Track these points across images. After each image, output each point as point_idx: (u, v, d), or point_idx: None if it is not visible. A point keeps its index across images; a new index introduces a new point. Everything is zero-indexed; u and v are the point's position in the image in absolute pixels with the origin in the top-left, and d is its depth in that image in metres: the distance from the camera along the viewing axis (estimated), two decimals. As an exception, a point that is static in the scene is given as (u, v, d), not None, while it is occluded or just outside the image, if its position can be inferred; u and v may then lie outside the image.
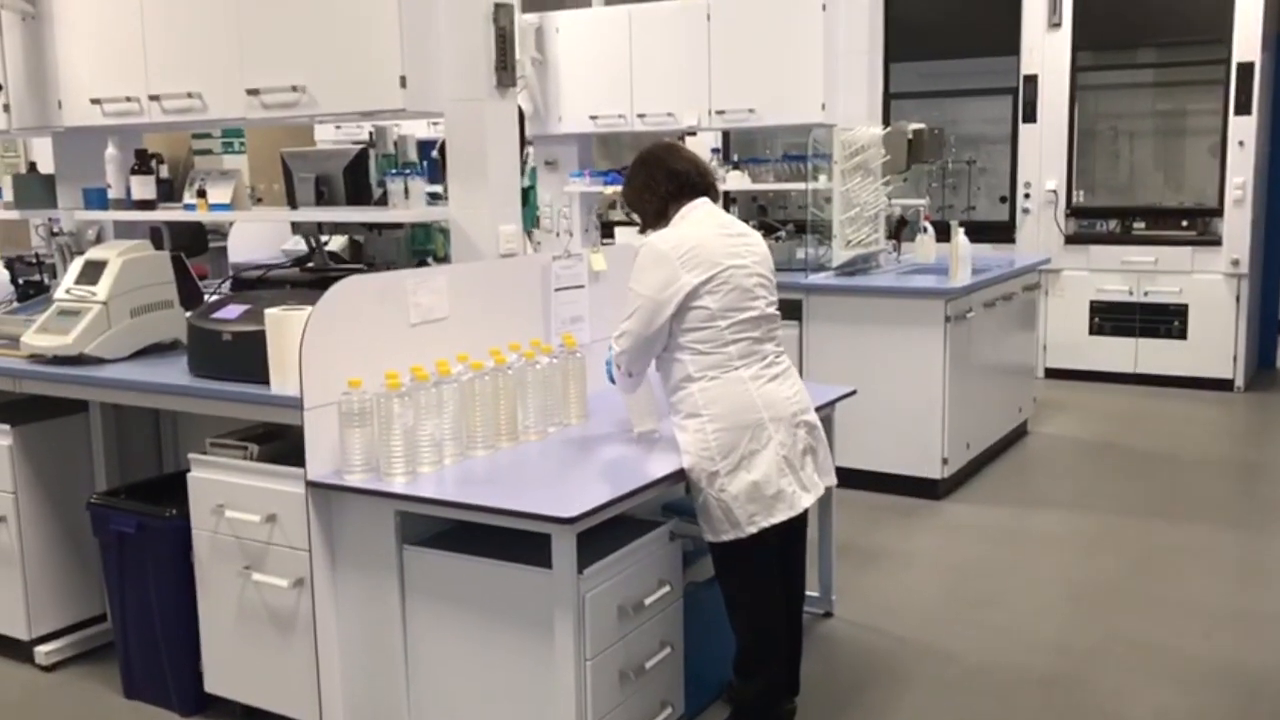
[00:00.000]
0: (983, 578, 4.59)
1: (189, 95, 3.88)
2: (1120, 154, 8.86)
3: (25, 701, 3.67)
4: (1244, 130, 7.71)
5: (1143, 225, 8.26)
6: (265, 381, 3.12)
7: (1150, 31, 8.27)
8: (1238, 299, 7.79)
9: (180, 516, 3.29)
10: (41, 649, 3.81)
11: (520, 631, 2.76)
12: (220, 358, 3.30)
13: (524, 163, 4.06)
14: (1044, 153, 8.37)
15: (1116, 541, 4.97)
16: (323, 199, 4.10)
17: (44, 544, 3.80)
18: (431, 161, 4.71)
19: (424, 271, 3.45)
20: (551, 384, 3.38)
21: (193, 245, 4.88)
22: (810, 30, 6.28)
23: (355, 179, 4.13)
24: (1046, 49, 8.28)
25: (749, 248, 3.07)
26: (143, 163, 4.28)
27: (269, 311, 3.11)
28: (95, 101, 4.11)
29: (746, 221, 3.49)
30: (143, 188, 4.25)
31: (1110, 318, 8.20)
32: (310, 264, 4.49)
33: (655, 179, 3.13)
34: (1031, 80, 8.35)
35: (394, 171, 3.95)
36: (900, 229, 6.71)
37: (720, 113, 6.61)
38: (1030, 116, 8.38)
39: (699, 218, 3.08)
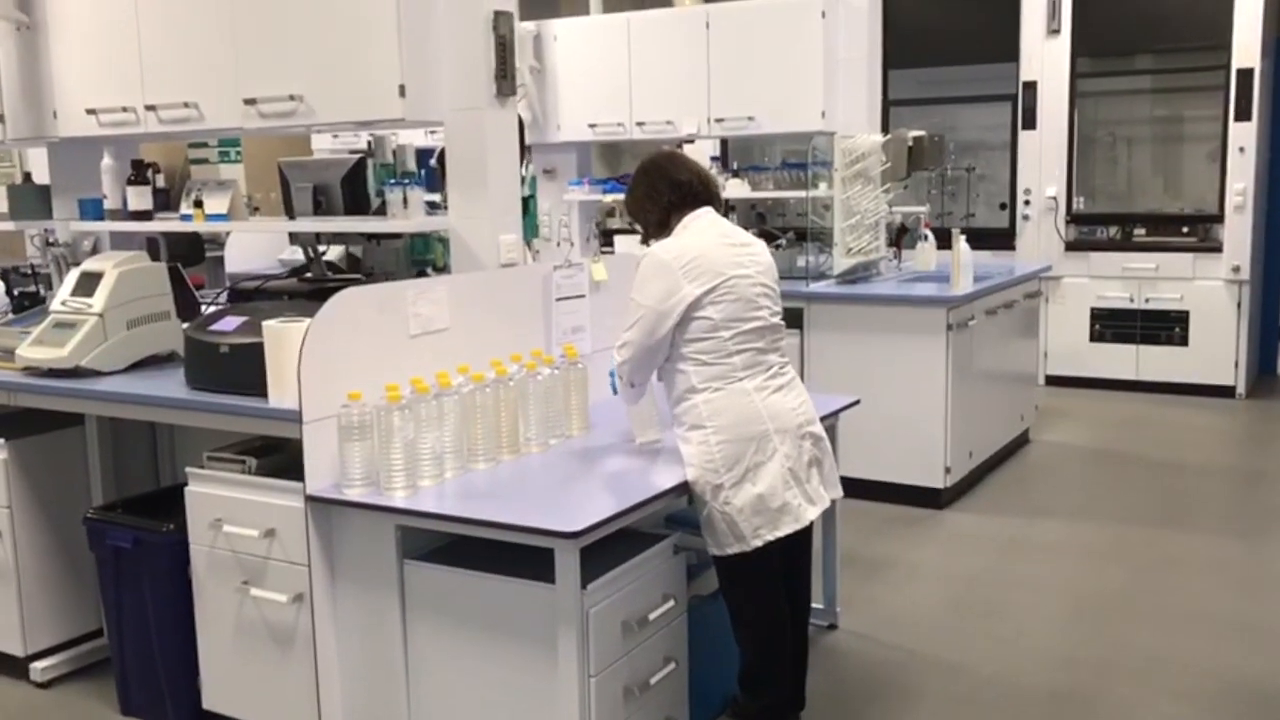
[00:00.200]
0: (988, 588, 4.56)
1: (185, 105, 3.84)
2: (1120, 160, 8.85)
3: (21, 719, 3.62)
4: (1244, 136, 7.69)
5: (1143, 232, 8.25)
6: (263, 394, 3.08)
7: (1149, 37, 8.26)
8: (1239, 305, 7.77)
9: (177, 531, 3.25)
10: (37, 665, 3.77)
11: (523, 648, 2.71)
12: (218, 370, 3.26)
13: (524, 172, 4.03)
14: (1044, 159, 8.35)
15: (1121, 551, 4.94)
16: (320, 209, 4.06)
17: (40, 559, 3.76)
18: (430, 170, 4.68)
19: (424, 282, 3.41)
20: (553, 395, 3.34)
21: (189, 255, 4.84)
22: (809, 37, 6.26)
23: (353, 188, 4.09)
24: (1046, 55, 8.27)
25: (753, 257, 3.03)
26: (139, 173, 4.24)
27: (267, 323, 3.08)
28: (91, 112, 4.07)
29: (746, 229, 3.46)
30: (139, 198, 4.21)
31: (1111, 324, 8.17)
32: (308, 274, 4.45)
33: (657, 189, 3.10)
34: (1031, 87, 8.34)
35: (392, 181, 3.91)
36: (901, 236, 6.68)
37: (719, 120, 6.59)
38: (1030, 123, 8.37)
39: (701, 227, 3.04)
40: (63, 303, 3.68)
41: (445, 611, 2.84)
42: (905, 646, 4.00)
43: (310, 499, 2.92)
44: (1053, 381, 8.26)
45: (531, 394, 3.26)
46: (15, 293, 4.72)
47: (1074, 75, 8.26)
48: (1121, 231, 8.32)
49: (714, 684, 3.20)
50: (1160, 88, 8.60)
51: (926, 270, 6.34)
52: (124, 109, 3.99)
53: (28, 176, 4.95)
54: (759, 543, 2.89)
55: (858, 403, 3.89)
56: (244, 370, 3.14)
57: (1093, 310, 8.21)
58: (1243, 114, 7.68)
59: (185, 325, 3.64)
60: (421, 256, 4.18)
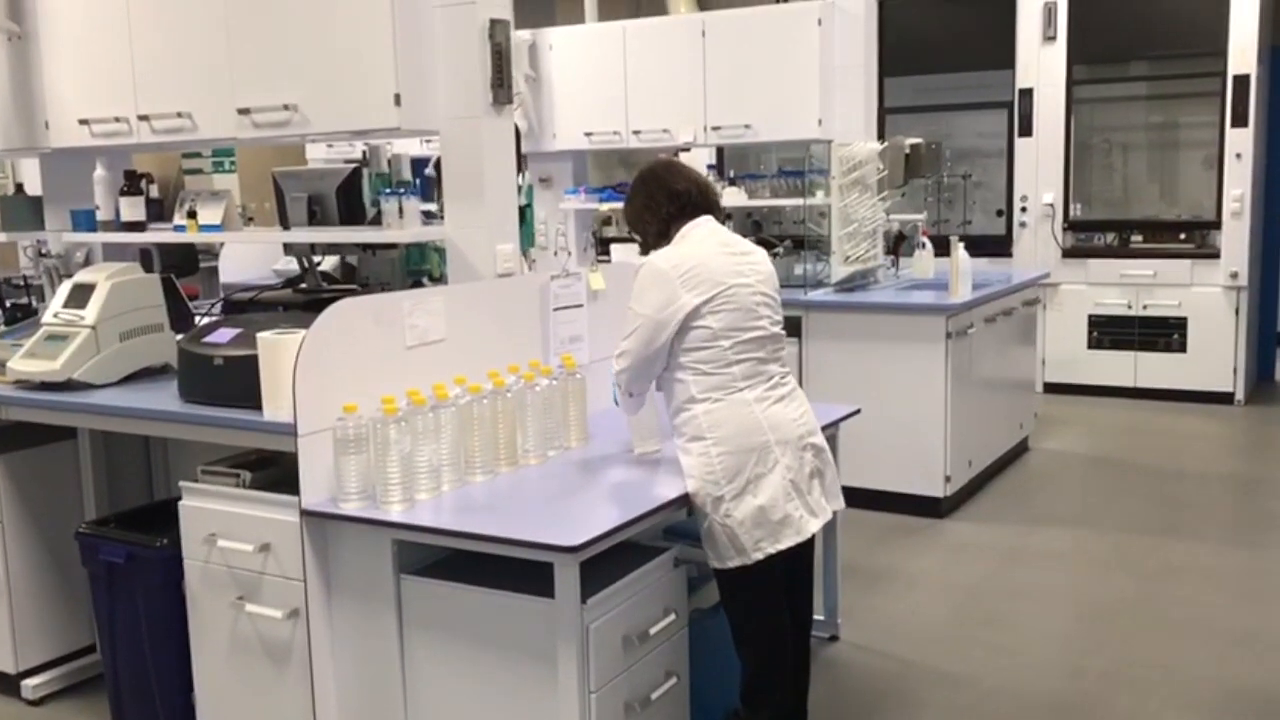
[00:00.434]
0: (990, 598, 4.52)
1: (179, 115, 3.81)
2: (1117, 167, 8.84)
3: (12, 737, 3.59)
4: (1241, 142, 7.68)
5: (1140, 238, 8.24)
6: (258, 407, 3.05)
7: (1145, 44, 8.25)
8: (1237, 311, 7.76)
9: (171, 546, 3.20)
10: (29, 682, 3.73)
11: (522, 663, 2.67)
12: (212, 383, 3.22)
13: (520, 181, 4.00)
14: (1040, 166, 8.34)
15: (1123, 560, 4.91)
16: (315, 219, 4.02)
17: (31, 574, 3.72)
18: (425, 180, 4.65)
19: (420, 293, 3.37)
20: (551, 406, 3.31)
21: (184, 266, 4.81)
22: (806, 45, 6.26)
23: (348, 198, 4.05)
24: (1041, 62, 8.26)
25: (753, 266, 3.00)
26: (132, 184, 4.20)
27: (261, 335, 3.04)
28: (83, 122, 4.04)
29: (744, 237, 3.42)
30: (132, 209, 4.17)
31: (1109, 331, 8.15)
32: (303, 285, 4.41)
33: (655, 199, 3.07)
34: (1027, 94, 8.33)
35: (388, 191, 3.88)
36: (898, 244, 6.66)
37: (716, 129, 6.58)
38: (1026, 130, 8.36)
39: (701, 236, 3.01)
40: (55, 315, 3.64)
41: (443, 627, 2.79)
42: (907, 658, 3.97)
43: (305, 513, 2.88)
44: (1051, 389, 8.23)
45: (529, 405, 3.22)
46: (8, 304, 4.68)
47: (1070, 82, 8.25)
48: (1119, 238, 8.31)
49: (716, 698, 3.16)
50: (1157, 94, 8.59)
51: (924, 278, 6.32)
52: (117, 119, 3.95)
53: (20, 188, 4.92)
54: (760, 555, 2.86)
55: (858, 412, 3.86)
56: (238, 383, 3.10)
57: (1090, 317, 8.19)
58: (1239, 120, 7.67)
59: (179, 337, 3.60)
60: (417, 267, 4.14)
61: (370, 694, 2.92)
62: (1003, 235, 8.53)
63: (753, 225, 6.94)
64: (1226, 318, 7.78)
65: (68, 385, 3.51)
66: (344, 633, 2.94)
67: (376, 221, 3.97)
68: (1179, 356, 7.93)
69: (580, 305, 3.75)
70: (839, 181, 5.89)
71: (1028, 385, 6.90)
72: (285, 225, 4.11)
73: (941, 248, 6.09)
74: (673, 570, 2.96)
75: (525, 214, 4.07)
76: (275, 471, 3.13)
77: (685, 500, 2.91)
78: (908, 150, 6.04)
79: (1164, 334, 7.97)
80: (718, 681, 3.12)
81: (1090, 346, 8.21)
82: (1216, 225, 7.90)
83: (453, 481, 2.98)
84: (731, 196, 6.46)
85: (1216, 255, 7.82)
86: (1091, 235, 8.41)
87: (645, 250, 3.14)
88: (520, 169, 4.15)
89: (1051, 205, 8.31)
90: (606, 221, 7.09)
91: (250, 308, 4.12)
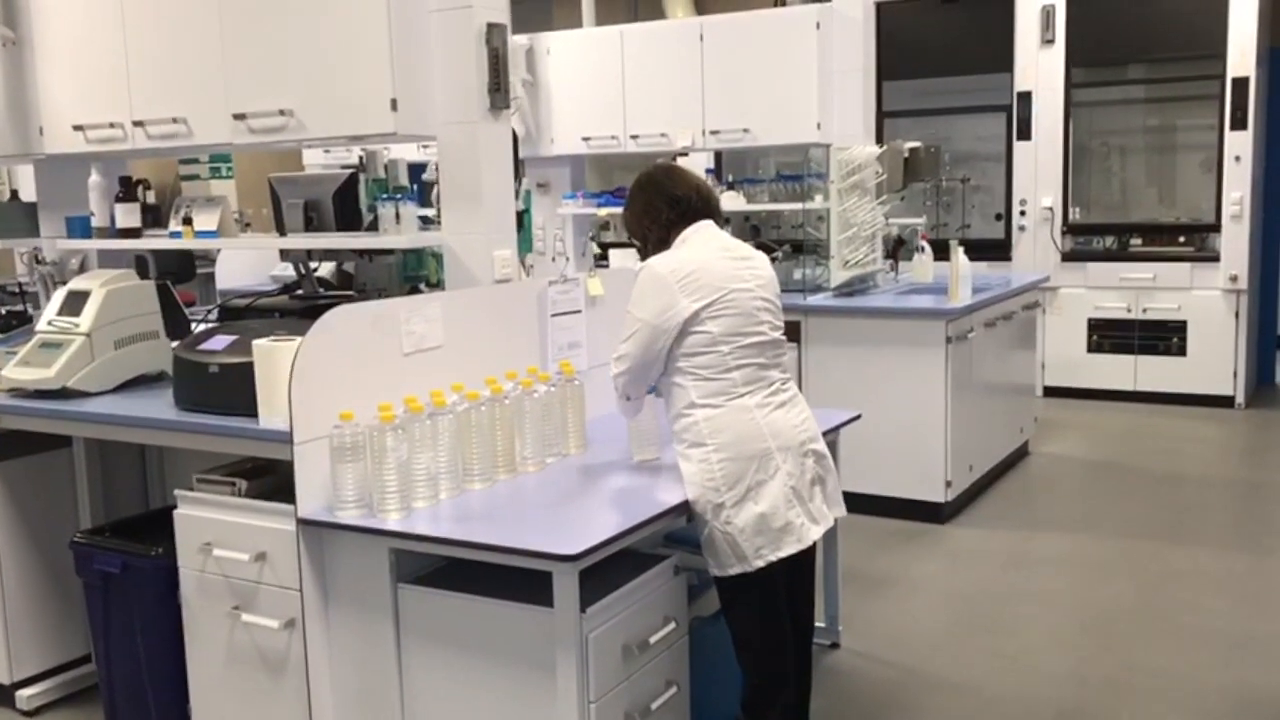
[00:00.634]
0: (991, 604, 4.50)
1: (174, 120, 3.78)
2: (1116, 170, 8.83)
3: (7, 748, 3.56)
4: (1240, 145, 7.67)
5: (1140, 242, 8.23)
6: (254, 415, 3.02)
7: (1144, 47, 8.24)
8: (1237, 315, 7.74)
9: (166, 555, 3.17)
10: (23, 693, 3.70)
11: (521, 673, 2.65)
12: (207, 390, 3.20)
13: (518, 186, 3.97)
14: (1039, 169, 8.32)
15: (1125, 565, 4.88)
16: (312, 225, 3.99)
17: (26, 584, 3.69)
18: (423, 185, 4.62)
19: (417, 299, 3.34)
20: (550, 413, 3.28)
21: (180, 272, 4.78)
22: (804, 49, 6.24)
23: (345, 204, 4.02)
24: (1040, 66, 8.25)
25: (753, 271, 2.98)
26: (127, 190, 4.18)
27: (257, 342, 3.01)
28: (78, 128, 4.01)
29: (743, 242, 3.40)
30: (127, 215, 4.15)
31: (1109, 335, 8.14)
32: (299, 292, 4.39)
33: (655, 205, 3.04)
34: (1025, 97, 8.32)
35: (384, 196, 3.85)
36: (898, 248, 6.64)
37: (714, 133, 6.56)
38: (1025, 133, 8.34)
39: (701, 240, 2.99)
40: (49, 322, 3.62)
41: (441, 636, 2.77)
42: (908, 665, 3.95)
43: (302, 522, 2.85)
44: (1051, 393, 8.21)
45: (528, 412, 3.19)
46: (3, 311, 4.65)
47: (1069, 85, 8.23)
48: (1118, 242, 8.30)
49: (716, 707, 3.13)
50: (1155, 97, 8.57)
51: (924, 282, 6.30)
52: (111, 125, 3.93)
53: (14, 194, 4.89)
54: (761, 563, 2.83)
55: (858, 417, 3.83)
56: (233, 390, 3.07)
57: (1090, 321, 8.17)
58: (1238, 123, 7.66)
59: (174, 344, 3.57)
60: (415, 272, 4.12)
61: (367, 705, 2.89)
62: (1002, 239, 8.51)
63: (751, 230, 6.92)
64: (1226, 321, 7.76)
65: (62, 393, 3.48)
66: (341, 642, 2.91)
67: (373, 227, 3.94)
68: (1179, 360, 7.91)
69: (579, 311, 3.72)
70: (838, 186, 5.87)
71: (1028, 389, 6.88)
72: (282, 231, 4.09)
73: (941, 252, 6.07)
74: (673, 578, 2.94)
75: (523, 219, 4.04)
76: (272, 480, 3.10)
77: (685, 507, 2.88)
78: (906, 154, 6.02)
79: (1164, 337, 7.95)
80: (719, 690, 3.09)
81: (1090, 350, 8.19)
82: (1216, 228, 7.88)
83: (450, 489, 2.96)
84: (730, 201, 6.44)
85: (1216, 258, 7.81)
86: (1091, 239, 8.39)
87: (644, 256, 3.11)
88: (518, 174, 4.13)
89: (1050, 209, 8.29)
90: (605, 226, 7.06)
91: (246, 314, 4.09)
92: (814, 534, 2.93)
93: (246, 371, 3.03)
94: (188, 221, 3.98)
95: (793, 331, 5.52)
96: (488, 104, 3.52)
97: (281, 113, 3.53)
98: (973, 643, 4.13)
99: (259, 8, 3.58)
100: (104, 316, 3.56)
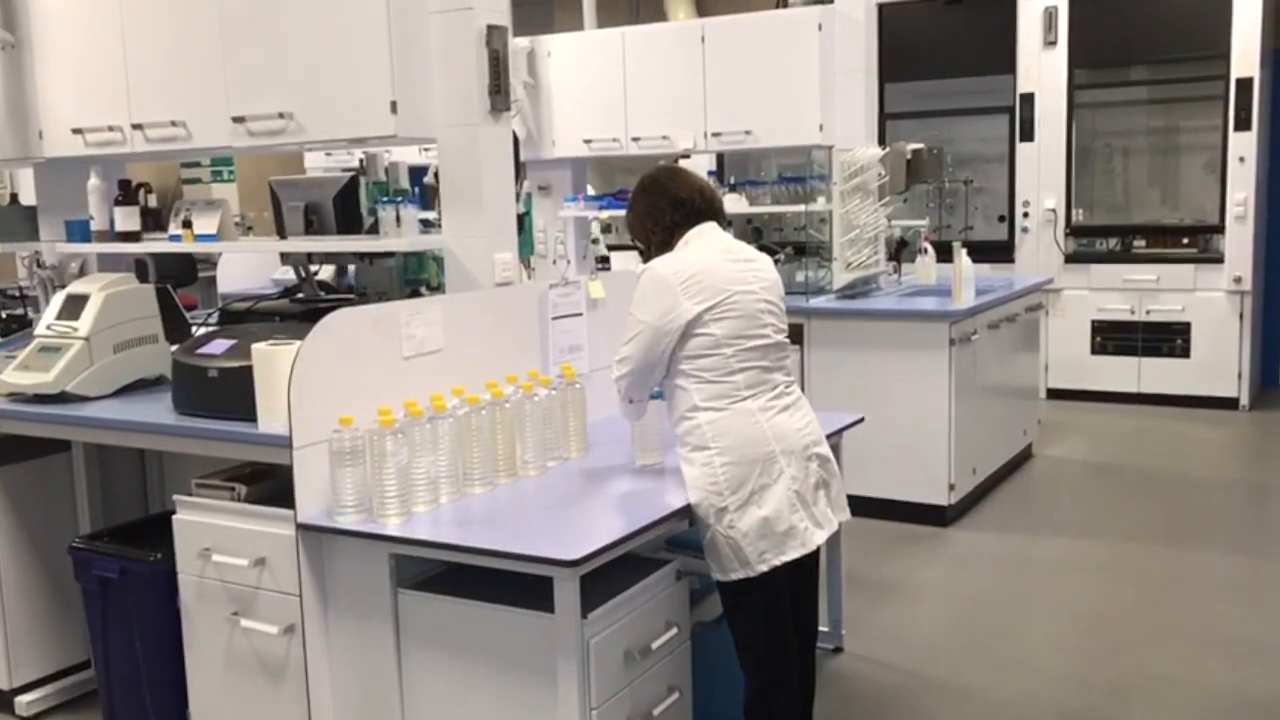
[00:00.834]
0: (995, 608, 4.47)
1: (173, 123, 3.77)
2: (1119, 172, 8.80)
3: (6, 754, 3.54)
4: (1244, 146, 7.64)
5: (1143, 243, 8.20)
6: (253, 419, 3.00)
7: (1147, 48, 8.21)
8: (1241, 316, 7.71)
9: (165, 560, 3.15)
10: (23, 699, 3.68)
11: (522, 679, 2.63)
12: (206, 395, 3.18)
13: (519, 189, 3.96)
14: (1042, 171, 8.30)
15: (1129, 568, 4.86)
16: (312, 228, 3.98)
17: (25, 589, 3.67)
18: (424, 188, 4.61)
19: (417, 302, 3.33)
20: (550, 416, 3.26)
21: (182, 276, 4.76)
22: (806, 51, 6.21)
23: (345, 207, 4.01)
24: (1043, 67, 8.22)
25: (757, 274, 2.95)
26: (126, 193, 4.16)
27: (256, 346, 2.99)
28: (77, 131, 3.99)
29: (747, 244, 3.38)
30: (127, 219, 4.13)
31: (1112, 337, 8.11)
32: (300, 295, 4.37)
33: (658, 207, 3.02)
34: (1028, 99, 8.29)
35: (385, 199, 3.84)
36: (900, 250, 6.62)
37: (716, 135, 6.53)
38: (1027, 135, 8.32)
39: (704, 242, 2.96)
40: (48, 326, 3.60)
41: (441, 642, 2.75)
42: (912, 669, 3.92)
43: (301, 527, 2.83)
44: (1054, 395, 8.19)
45: (528, 415, 3.17)
46: (3, 315, 4.64)
47: (1071, 87, 8.21)
48: (1121, 243, 8.27)
49: (719, 712, 3.10)
50: (1159, 98, 8.55)
51: (927, 284, 6.27)
52: (110, 128, 3.91)
53: (14, 198, 4.88)
54: (764, 568, 2.80)
55: (861, 420, 3.81)
56: (233, 394, 3.06)
57: (1093, 323, 8.15)
58: (1242, 124, 7.63)
59: (173, 348, 3.56)
60: (415, 276, 4.10)
61: (368, 711, 2.87)
62: (1005, 241, 8.49)
63: (753, 232, 6.91)
64: (1230, 323, 7.73)
65: (61, 397, 3.46)
66: (341, 648, 2.89)
67: (374, 230, 3.93)
68: (1183, 362, 7.89)
69: (580, 314, 3.70)
70: (840, 187, 5.85)
71: (1031, 391, 6.85)
72: (282, 234, 4.07)
73: (944, 254, 6.05)
74: (675, 583, 2.92)
75: (524, 222, 4.03)
76: (271, 484, 3.08)
77: (687, 511, 2.86)
78: (909, 156, 6.00)
79: (1168, 339, 7.93)
80: (721, 696, 3.07)
81: (1094, 352, 8.17)
82: (1220, 230, 7.85)
83: (451, 494, 2.94)
84: (732, 203, 6.43)
85: (1220, 260, 7.78)
86: (1094, 240, 8.37)
87: (647, 259, 3.09)
88: (519, 176, 4.12)
89: (1054, 210, 8.27)
90: (606, 229, 7.04)
91: (247, 318, 4.08)
92: (818, 538, 2.91)
93: (245, 375, 3.01)
94: (187, 225, 3.97)
95: (795, 334, 5.49)
96: (488, 106, 3.50)
97: (281, 115, 3.51)
98: (976, 646, 4.10)
99: (258, 10, 3.56)
100: (103, 320, 3.55)
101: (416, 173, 5.40)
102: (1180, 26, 7.97)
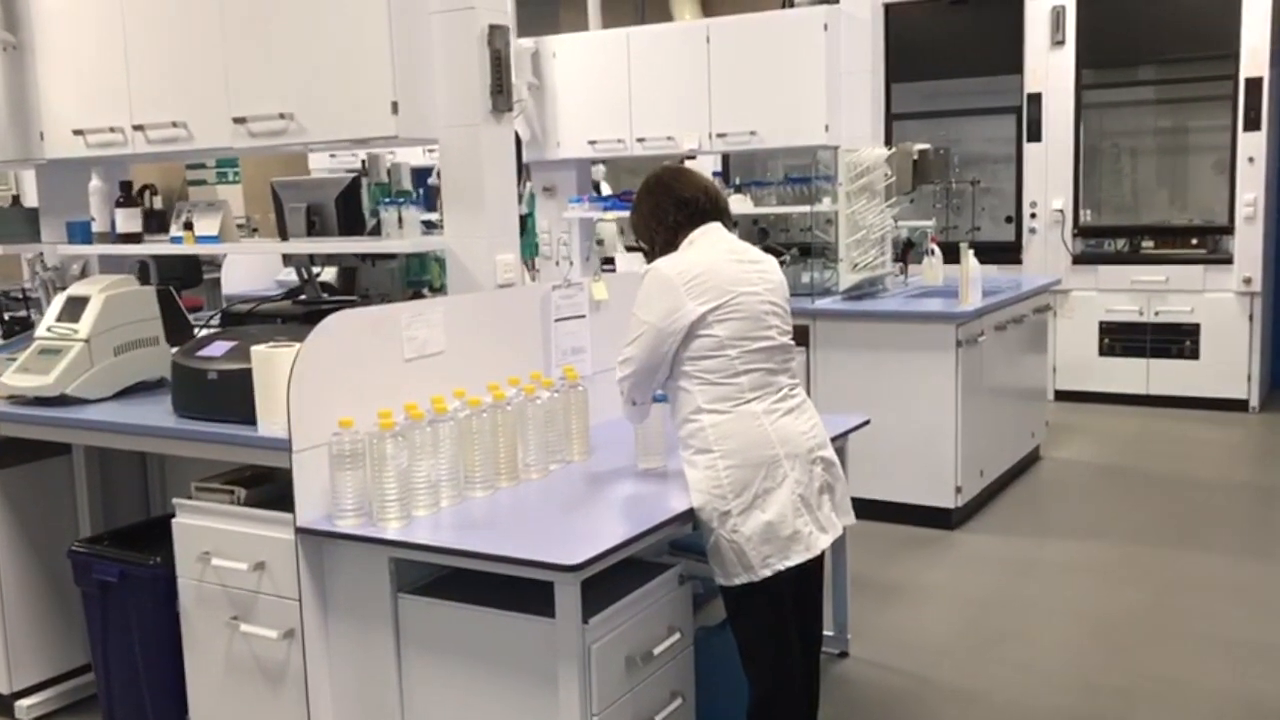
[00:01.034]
0: (1002, 611, 4.44)
1: (174, 125, 3.75)
2: (1127, 172, 8.75)
3: (6, 759, 3.53)
4: (1253, 146, 7.60)
5: (1152, 244, 8.16)
6: (252, 422, 2.98)
7: (1155, 48, 8.17)
8: (1251, 318, 7.67)
9: (165, 564, 3.14)
10: (23, 703, 3.66)
11: (522, 684, 2.60)
12: (205, 397, 3.15)
13: (521, 189, 3.93)
14: (1050, 172, 8.26)
15: (1137, 571, 4.82)
16: (314, 229, 3.96)
17: (25, 592, 3.65)
18: (429, 189, 4.59)
19: (418, 304, 3.30)
20: (553, 419, 3.24)
21: (187, 277, 4.74)
22: (811, 51, 6.17)
23: (347, 208, 3.99)
24: (1050, 67, 8.19)
25: (762, 275, 2.92)
26: (127, 195, 4.15)
27: (255, 349, 2.97)
28: (78, 132, 3.98)
29: (752, 245, 3.34)
30: (128, 220, 4.11)
31: (1120, 338, 8.07)
32: (302, 296, 4.35)
33: (662, 207, 2.99)
34: (1035, 99, 8.26)
35: (387, 200, 3.82)
36: (907, 251, 6.58)
37: (721, 136, 6.50)
38: (1035, 135, 8.28)
39: (709, 243, 2.93)
40: (48, 329, 3.58)
41: (441, 647, 2.72)
42: (918, 674, 3.89)
43: (300, 531, 2.81)
44: (1062, 396, 8.15)
45: (530, 418, 3.15)
46: (6, 317, 4.63)
47: (1079, 86, 8.17)
48: (1130, 244, 8.23)
49: (723, 718, 3.08)
50: (1167, 98, 8.50)
51: (933, 285, 6.24)
52: (111, 129, 3.90)
53: (15, 199, 4.86)
54: (768, 572, 2.77)
55: (867, 423, 3.77)
56: (232, 397, 3.03)
57: (1101, 324, 8.11)
58: (1252, 124, 7.59)
59: (174, 350, 3.54)
60: (418, 277, 4.07)
61: (367, 717, 2.84)
62: (1012, 241, 8.45)
63: (759, 233, 6.87)
64: (1240, 324, 7.69)
65: (61, 400, 3.44)
66: (340, 653, 2.87)
67: (376, 231, 3.91)
68: (1192, 363, 7.84)
69: (583, 316, 3.68)
70: (846, 188, 5.82)
71: (1039, 393, 6.81)
72: (284, 236, 4.05)
73: (950, 254, 6.01)
74: (678, 587, 2.89)
75: (526, 223, 4.00)
76: (271, 488, 3.06)
77: (690, 515, 2.83)
78: (915, 156, 5.97)
79: (1176, 340, 7.88)
80: (725, 702, 3.04)
81: (1102, 353, 8.13)
82: (1229, 230, 7.80)
83: (452, 497, 2.91)
84: (738, 204, 6.39)
85: (1229, 261, 7.73)
86: (1102, 241, 8.32)
87: (652, 259, 3.06)
88: (522, 177, 4.09)
89: (1061, 211, 8.23)
90: (621, 231, 7.00)
91: (249, 319, 4.06)
92: (822, 543, 2.88)
93: (245, 378, 2.99)
94: (188, 227, 3.95)
95: (801, 335, 5.46)
96: (489, 106, 3.48)
97: (281, 116, 3.49)
98: (983, 650, 4.07)
99: (259, 11, 3.54)
100: (103, 323, 3.53)
101: (421, 174, 5.39)
102: (1189, 26, 7.92)
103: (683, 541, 3.19)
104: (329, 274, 4.67)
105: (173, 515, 3.11)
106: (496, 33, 3.47)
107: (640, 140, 6.77)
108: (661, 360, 2.86)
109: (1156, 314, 7.92)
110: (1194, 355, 7.83)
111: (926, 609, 4.48)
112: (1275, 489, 6.21)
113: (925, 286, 6.29)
